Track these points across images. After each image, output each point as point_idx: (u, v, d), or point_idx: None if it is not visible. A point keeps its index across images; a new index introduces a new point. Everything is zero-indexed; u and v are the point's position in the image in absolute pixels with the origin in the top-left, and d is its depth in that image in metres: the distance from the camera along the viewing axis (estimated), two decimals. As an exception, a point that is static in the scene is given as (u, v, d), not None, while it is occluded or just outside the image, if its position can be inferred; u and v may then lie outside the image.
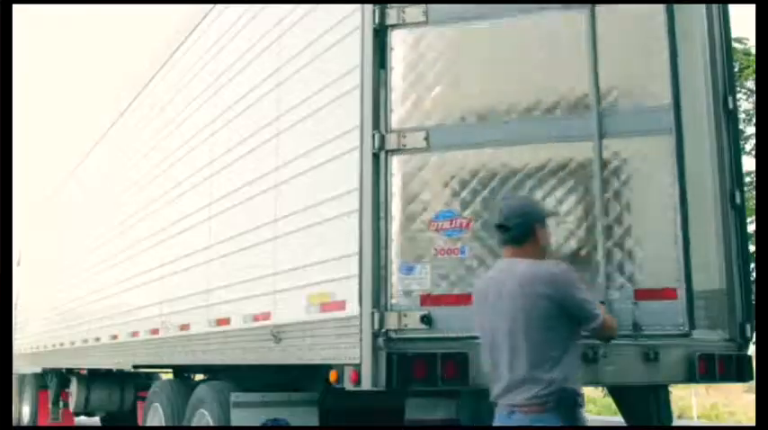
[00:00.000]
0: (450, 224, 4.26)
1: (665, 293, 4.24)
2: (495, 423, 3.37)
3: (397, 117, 4.37)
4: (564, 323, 3.25)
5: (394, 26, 4.44)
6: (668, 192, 4.32)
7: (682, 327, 4.25)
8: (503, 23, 4.46)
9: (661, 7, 4.40)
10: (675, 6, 5.04)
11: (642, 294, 4.23)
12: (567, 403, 3.23)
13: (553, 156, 4.30)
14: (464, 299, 4.24)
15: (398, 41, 4.44)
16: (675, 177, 4.30)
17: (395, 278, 4.22)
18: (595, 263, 4.26)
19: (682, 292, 4.23)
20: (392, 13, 4.44)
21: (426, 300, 4.24)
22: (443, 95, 4.44)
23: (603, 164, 4.25)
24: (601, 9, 4.36)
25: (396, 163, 4.32)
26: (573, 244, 4.29)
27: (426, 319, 4.20)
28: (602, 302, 3.91)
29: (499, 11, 4.45)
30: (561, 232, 4.23)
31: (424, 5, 4.47)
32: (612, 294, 4.24)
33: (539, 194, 4.25)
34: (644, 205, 4.27)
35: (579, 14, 4.39)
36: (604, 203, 4.27)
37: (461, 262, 4.27)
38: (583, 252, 4.27)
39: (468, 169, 4.35)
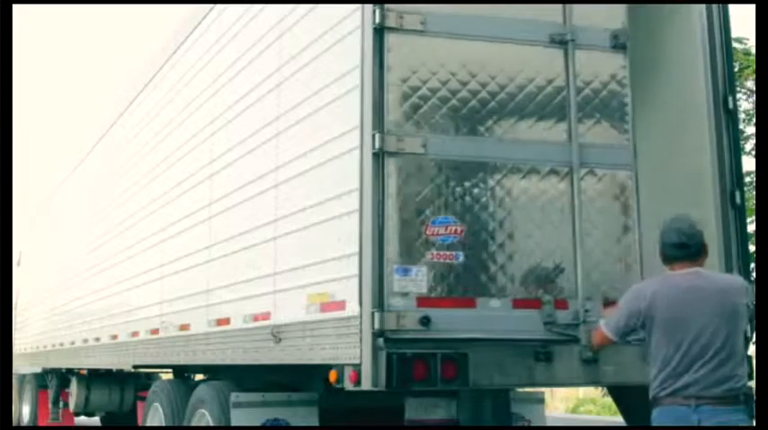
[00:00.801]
0: (446, 230, 4.37)
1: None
2: (670, 417, 3.67)
3: (393, 119, 4.38)
4: (745, 327, 3.86)
5: (391, 29, 4.44)
6: (631, 217, 4.79)
7: None
8: (497, 48, 4.67)
9: (621, 56, 4.94)
10: (672, 9, 5.15)
11: (609, 306, 4.56)
12: (751, 396, 3.71)
13: (537, 178, 4.62)
14: (460, 302, 4.37)
15: (395, 44, 4.45)
16: (635, 206, 4.79)
17: (391, 279, 4.23)
18: (574, 277, 4.62)
19: None
20: (391, 15, 4.45)
21: (423, 301, 4.27)
22: (440, 106, 4.52)
23: (580, 190, 4.66)
24: (578, 52, 4.79)
25: (393, 165, 4.33)
26: (554, 257, 4.61)
27: (425, 321, 4.22)
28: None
29: (496, 37, 4.67)
30: (543, 246, 4.58)
31: (422, 16, 4.50)
32: (587, 305, 4.57)
33: (523, 212, 4.57)
34: (609, 227, 4.72)
35: (558, 52, 4.77)
36: (580, 224, 4.64)
37: (456, 267, 4.36)
38: (563, 266, 4.61)
39: (463, 181, 4.48)
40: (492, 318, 4.41)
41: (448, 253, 4.34)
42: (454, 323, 4.33)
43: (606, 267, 4.67)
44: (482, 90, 4.60)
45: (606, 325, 4.04)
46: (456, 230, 4.37)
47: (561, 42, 4.79)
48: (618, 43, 4.93)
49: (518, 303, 4.46)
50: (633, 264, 4.74)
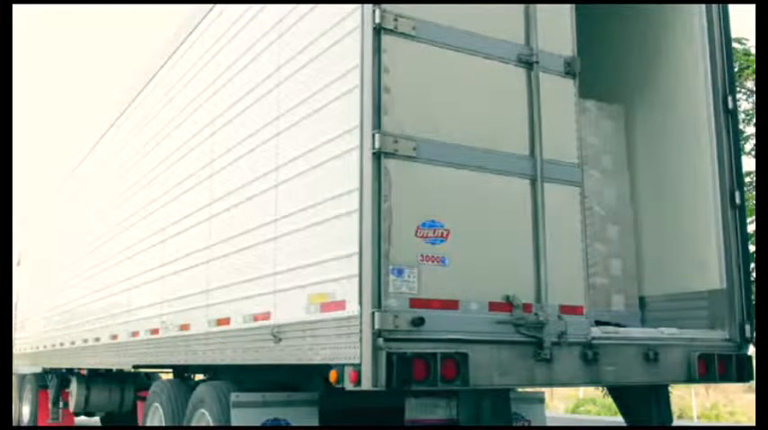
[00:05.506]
0: (433, 233, 4.45)
1: (577, 310, 4.90)
2: None
3: (389, 120, 4.39)
4: None
5: (387, 30, 4.46)
6: (578, 228, 5.02)
7: (586, 336, 4.90)
8: (476, 62, 4.80)
9: (571, 82, 5.15)
10: (669, 8, 5.17)
11: (564, 310, 4.83)
12: None
13: (510, 187, 4.83)
14: (449, 304, 4.42)
15: (391, 45, 4.46)
16: (580, 219, 5.04)
17: (387, 279, 4.24)
18: (537, 283, 4.80)
19: (585, 309, 4.96)
20: (388, 17, 4.47)
21: (415, 303, 4.30)
22: (433, 112, 4.58)
23: (543, 202, 4.87)
24: (541, 74, 5.01)
25: (390, 166, 4.35)
26: (525, 263, 4.79)
27: (418, 321, 4.23)
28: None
29: (476, 51, 4.81)
30: (515, 251, 4.78)
31: (414, 21, 4.55)
32: (547, 308, 4.74)
33: (498, 218, 4.74)
34: (562, 236, 4.93)
35: (524, 72, 5.00)
36: (543, 232, 4.84)
37: (443, 270, 4.41)
38: (530, 271, 4.80)
39: (450, 186, 4.57)
40: (472, 319, 4.48)
41: (436, 256, 4.42)
42: (448, 324, 4.38)
43: (560, 276, 4.86)
44: (470, 100, 4.73)
45: None
46: (442, 234, 4.45)
47: (527, 63, 4.99)
48: (570, 70, 5.16)
49: (493, 306, 4.58)
50: (581, 272, 4.99)
